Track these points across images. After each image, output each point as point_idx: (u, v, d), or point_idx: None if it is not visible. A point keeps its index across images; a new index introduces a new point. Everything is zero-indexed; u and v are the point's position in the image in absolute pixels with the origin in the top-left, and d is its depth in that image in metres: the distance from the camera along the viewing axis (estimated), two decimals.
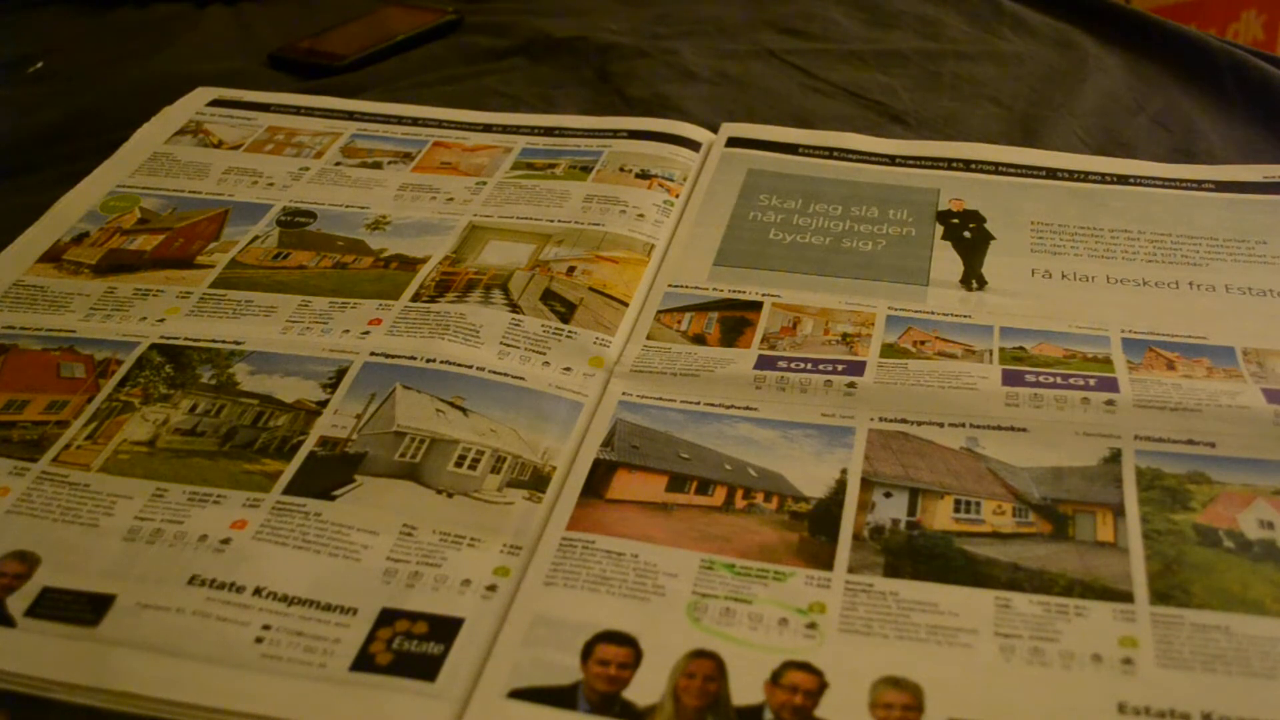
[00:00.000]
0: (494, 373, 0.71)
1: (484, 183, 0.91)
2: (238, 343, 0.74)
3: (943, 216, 0.85)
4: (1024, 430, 0.66)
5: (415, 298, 0.77)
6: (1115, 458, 0.64)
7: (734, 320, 0.76)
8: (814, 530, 0.61)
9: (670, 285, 0.79)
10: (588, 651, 0.54)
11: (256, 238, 0.85)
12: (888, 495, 0.62)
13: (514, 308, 0.76)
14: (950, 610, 0.56)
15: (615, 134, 0.96)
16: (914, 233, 0.84)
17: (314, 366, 0.72)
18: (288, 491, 0.63)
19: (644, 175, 0.91)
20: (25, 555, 0.59)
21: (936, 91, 1.03)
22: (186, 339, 0.74)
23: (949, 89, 1.04)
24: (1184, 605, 0.55)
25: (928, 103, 1.02)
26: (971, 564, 0.58)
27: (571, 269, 0.80)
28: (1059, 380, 0.69)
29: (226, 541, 0.60)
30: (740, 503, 0.63)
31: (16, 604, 0.57)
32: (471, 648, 0.55)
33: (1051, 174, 0.90)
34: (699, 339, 0.74)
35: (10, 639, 0.56)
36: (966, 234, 0.83)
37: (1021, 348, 0.72)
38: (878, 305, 0.76)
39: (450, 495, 0.63)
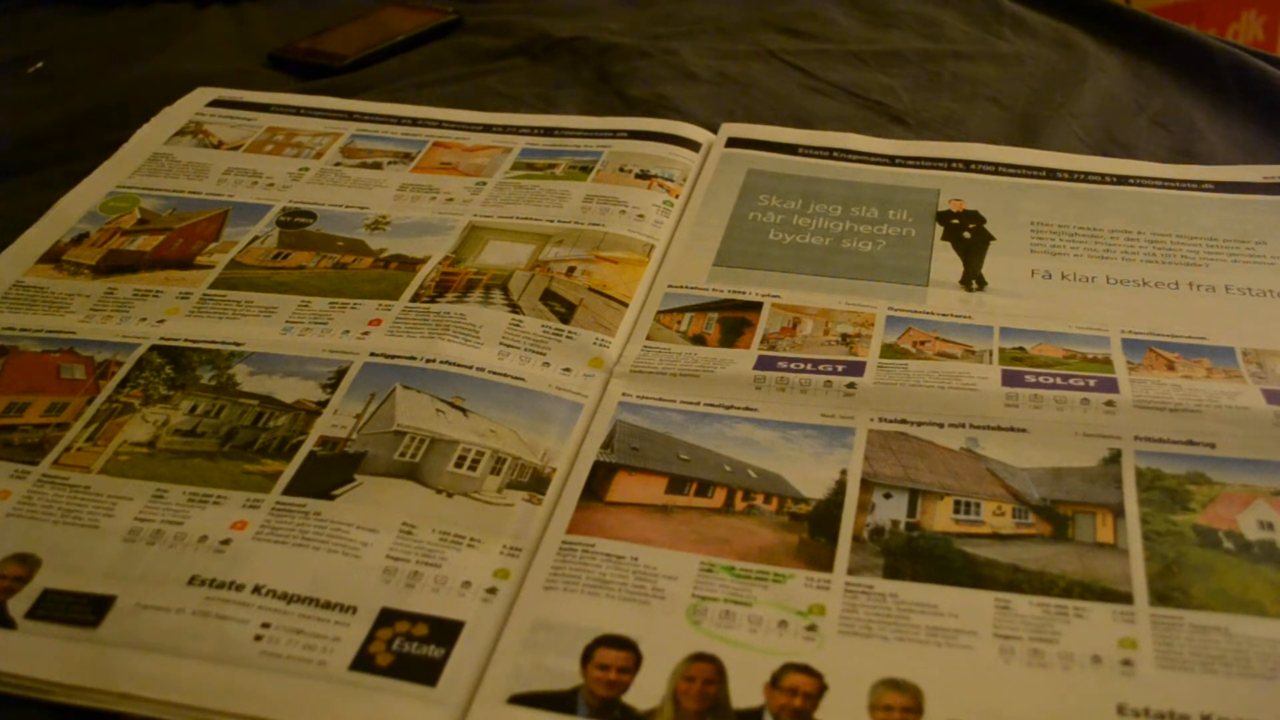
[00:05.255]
0: (494, 373, 0.71)
1: (484, 183, 0.91)
2: (238, 343, 0.74)
3: (943, 217, 0.85)
4: (1024, 431, 0.66)
5: (415, 298, 0.77)
6: (1115, 458, 0.64)
7: (734, 321, 0.76)
8: (814, 532, 0.61)
9: (670, 286, 0.79)
10: (587, 656, 0.54)
11: (256, 238, 0.85)
12: (887, 496, 0.62)
13: (514, 308, 0.76)
14: (950, 612, 0.56)
15: (615, 134, 0.96)
16: (914, 233, 0.84)
17: (314, 367, 0.72)
18: (288, 491, 0.63)
19: (644, 175, 0.91)
20: (26, 558, 0.59)
21: (936, 91, 1.03)
22: (186, 340, 0.74)
23: (949, 89, 1.04)
24: (1184, 606, 0.55)
25: (928, 103, 1.01)
26: (971, 565, 0.58)
27: (571, 269, 0.80)
28: (1059, 381, 0.69)
29: (227, 542, 0.60)
30: (740, 504, 0.63)
31: (17, 606, 0.57)
32: (472, 652, 0.55)
33: (1051, 174, 0.90)
34: (699, 339, 0.74)
35: (11, 641, 0.56)
36: (966, 234, 0.83)
37: (1021, 348, 0.72)
38: (877, 305, 0.76)
39: (450, 495, 0.63)
